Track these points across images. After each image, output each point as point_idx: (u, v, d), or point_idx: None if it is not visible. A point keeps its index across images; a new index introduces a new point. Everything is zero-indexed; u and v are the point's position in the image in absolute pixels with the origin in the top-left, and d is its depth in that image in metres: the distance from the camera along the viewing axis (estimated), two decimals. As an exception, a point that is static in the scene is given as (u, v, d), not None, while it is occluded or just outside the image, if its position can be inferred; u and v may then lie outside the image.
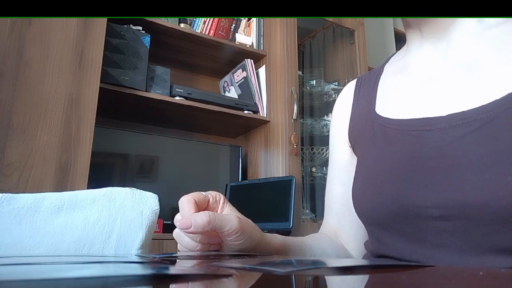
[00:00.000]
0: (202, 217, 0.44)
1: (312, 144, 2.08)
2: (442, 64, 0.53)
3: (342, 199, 0.61)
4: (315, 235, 0.62)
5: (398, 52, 0.64)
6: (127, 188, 0.56)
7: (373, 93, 0.59)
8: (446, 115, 0.47)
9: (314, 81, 2.21)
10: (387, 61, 0.64)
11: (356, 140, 0.60)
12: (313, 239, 0.58)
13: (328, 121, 2.11)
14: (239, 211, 0.52)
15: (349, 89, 0.66)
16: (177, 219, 0.47)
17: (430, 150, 0.46)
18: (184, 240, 0.47)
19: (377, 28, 2.83)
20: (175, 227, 0.48)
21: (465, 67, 0.50)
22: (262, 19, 2.04)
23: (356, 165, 0.57)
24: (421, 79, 0.54)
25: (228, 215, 0.46)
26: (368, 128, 0.56)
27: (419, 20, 0.54)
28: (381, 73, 0.62)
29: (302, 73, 2.18)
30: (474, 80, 0.48)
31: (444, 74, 0.52)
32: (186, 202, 0.47)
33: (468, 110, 0.45)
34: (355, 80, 0.67)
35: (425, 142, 0.47)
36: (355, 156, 0.60)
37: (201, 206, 0.48)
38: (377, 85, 0.60)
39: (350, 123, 0.62)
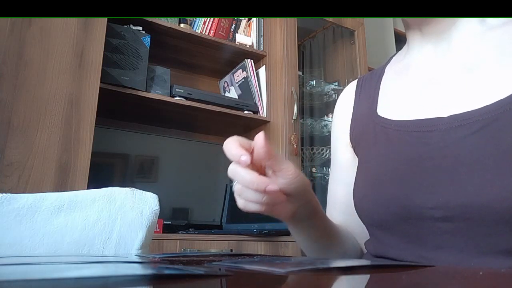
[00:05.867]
0: (260, 138, 0.41)
1: (312, 144, 2.08)
2: (443, 65, 0.53)
3: (345, 199, 0.61)
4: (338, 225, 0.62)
5: (399, 52, 0.64)
6: (127, 188, 0.56)
7: (375, 95, 0.59)
8: (447, 116, 0.47)
9: (314, 81, 2.21)
10: (388, 62, 0.64)
11: (357, 141, 0.60)
12: (340, 229, 0.59)
13: (328, 121, 2.11)
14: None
15: (350, 89, 0.66)
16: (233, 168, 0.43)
17: (432, 151, 0.46)
18: (248, 194, 0.44)
19: (377, 28, 2.83)
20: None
21: (466, 68, 0.50)
22: (262, 19, 2.04)
23: (358, 166, 0.57)
24: (422, 80, 0.54)
25: (281, 158, 0.44)
26: (369, 129, 0.56)
27: (419, 21, 0.54)
28: (383, 74, 0.62)
29: (302, 73, 2.18)
30: (476, 81, 0.48)
31: (446, 75, 0.52)
32: (232, 143, 0.43)
33: (469, 111, 0.45)
34: (355, 81, 0.67)
35: (426, 143, 0.47)
36: (356, 157, 0.60)
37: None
38: (379, 87, 0.60)
39: (351, 124, 0.62)
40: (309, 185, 0.48)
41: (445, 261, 0.44)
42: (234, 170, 0.43)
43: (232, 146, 0.42)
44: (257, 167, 0.44)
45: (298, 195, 0.47)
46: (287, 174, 0.44)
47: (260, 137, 0.41)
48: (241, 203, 0.45)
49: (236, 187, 0.44)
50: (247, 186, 0.42)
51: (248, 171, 0.42)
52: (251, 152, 0.43)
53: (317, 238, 0.55)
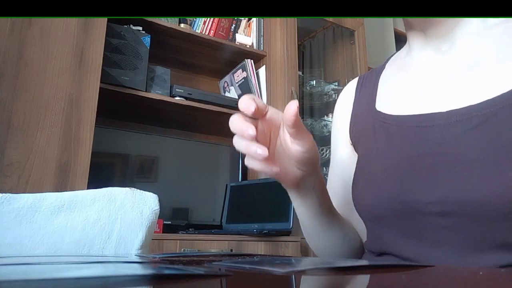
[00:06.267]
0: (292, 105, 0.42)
1: (312, 144, 2.08)
2: (444, 63, 0.53)
3: (344, 196, 0.61)
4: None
5: (400, 50, 0.64)
6: (127, 188, 0.56)
7: (374, 90, 0.60)
8: (446, 111, 0.47)
9: (314, 81, 2.21)
10: (388, 59, 0.64)
11: (357, 137, 0.60)
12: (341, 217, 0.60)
13: (328, 121, 2.11)
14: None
15: (351, 87, 0.66)
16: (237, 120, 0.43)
17: (430, 146, 0.47)
18: (239, 143, 0.44)
19: (377, 28, 2.83)
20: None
21: (466, 65, 0.50)
22: (262, 19, 2.04)
23: (357, 162, 0.57)
24: (422, 76, 0.54)
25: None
26: (369, 125, 0.56)
27: (423, 24, 0.54)
28: (383, 71, 0.62)
29: (302, 73, 2.18)
30: (475, 77, 0.48)
31: (445, 72, 0.52)
32: (247, 97, 0.43)
33: (468, 106, 0.46)
34: (356, 79, 0.67)
35: (425, 138, 0.48)
36: (356, 154, 0.60)
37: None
38: (378, 83, 0.60)
39: (351, 121, 0.62)
40: (318, 158, 0.50)
41: (443, 256, 0.44)
42: (232, 119, 0.44)
43: (245, 99, 0.43)
44: (266, 133, 0.46)
45: (308, 164, 0.48)
46: (306, 144, 0.45)
47: (293, 104, 0.42)
48: (246, 160, 0.46)
49: (234, 139, 0.45)
50: (234, 131, 0.44)
51: (239, 119, 0.43)
52: (264, 114, 0.44)
53: (318, 213, 0.55)
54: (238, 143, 0.44)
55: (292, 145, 0.45)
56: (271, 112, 0.45)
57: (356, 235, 0.61)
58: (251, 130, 0.42)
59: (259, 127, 0.45)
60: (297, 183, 0.50)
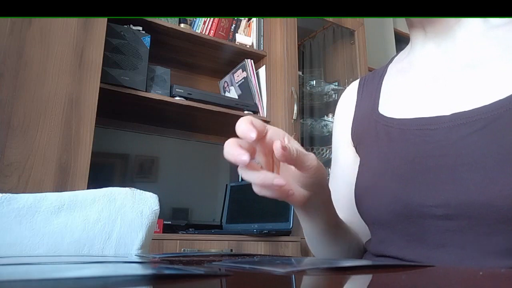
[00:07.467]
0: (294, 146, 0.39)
1: (312, 145, 2.08)
2: (446, 63, 0.53)
3: (347, 198, 0.61)
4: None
5: (402, 52, 0.64)
6: (127, 188, 0.56)
7: (377, 93, 0.59)
8: (450, 114, 0.47)
9: (314, 81, 2.21)
10: (390, 61, 0.64)
11: (359, 139, 0.60)
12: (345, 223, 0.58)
13: (328, 121, 2.11)
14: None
15: (352, 88, 0.66)
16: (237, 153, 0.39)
17: (434, 149, 0.46)
18: (242, 173, 0.42)
19: (377, 28, 2.83)
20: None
21: (469, 66, 0.50)
22: (262, 19, 2.04)
23: (359, 165, 0.57)
24: (424, 78, 0.54)
25: (304, 152, 0.42)
26: (371, 128, 0.56)
27: (423, 20, 0.54)
28: (385, 73, 0.62)
29: (302, 73, 2.18)
30: (478, 80, 0.48)
31: (448, 73, 0.52)
32: (244, 121, 0.39)
33: (472, 110, 0.45)
34: (358, 80, 0.67)
35: (428, 141, 0.47)
36: (358, 156, 0.60)
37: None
38: (381, 85, 0.60)
39: (353, 123, 0.62)
40: (325, 177, 0.47)
41: (446, 259, 0.44)
42: (225, 146, 0.41)
43: (243, 123, 0.40)
44: (267, 154, 0.43)
45: (315, 186, 0.45)
46: (310, 169, 0.42)
47: (277, 145, 0.38)
48: (255, 188, 0.43)
49: (238, 170, 0.43)
50: (228, 159, 0.40)
51: (231, 145, 0.40)
52: (264, 135, 0.41)
53: (326, 228, 0.53)
54: (247, 175, 0.41)
55: (296, 170, 0.43)
56: (271, 132, 0.41)
57: (360, 245, 0.61)
58: (245, 156, 0.38)
59: (258, 149, 0.43)
60: (305, 202, 0.47)
